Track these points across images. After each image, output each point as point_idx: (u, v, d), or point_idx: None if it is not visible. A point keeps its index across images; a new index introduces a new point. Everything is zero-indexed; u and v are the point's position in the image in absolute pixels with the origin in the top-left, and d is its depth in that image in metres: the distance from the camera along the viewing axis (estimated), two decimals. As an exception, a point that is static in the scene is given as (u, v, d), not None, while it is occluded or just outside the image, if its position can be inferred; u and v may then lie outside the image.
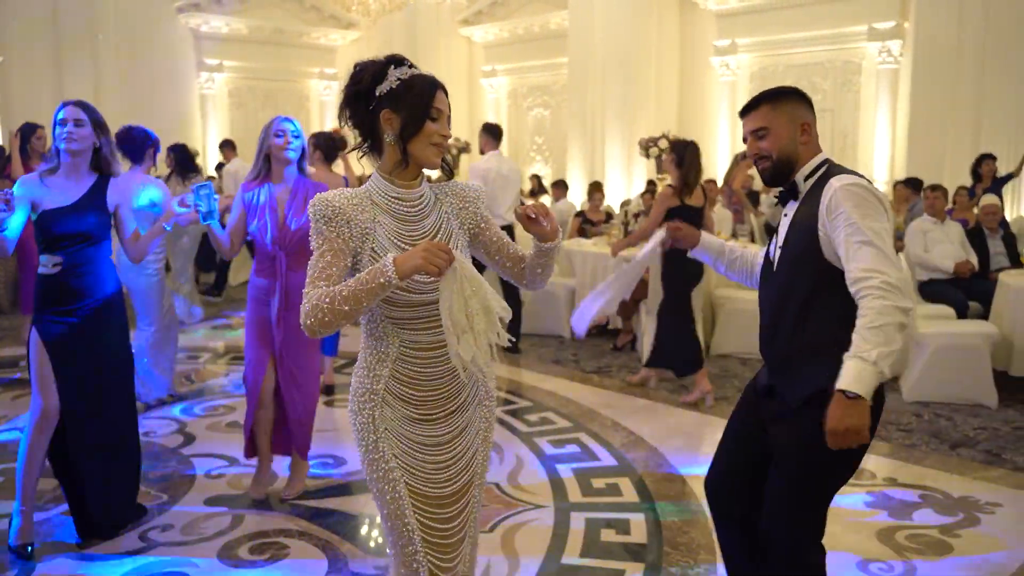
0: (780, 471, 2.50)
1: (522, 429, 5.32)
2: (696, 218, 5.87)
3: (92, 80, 14.00)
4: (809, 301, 2.45)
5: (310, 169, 5.48)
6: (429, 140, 2.15)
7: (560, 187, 10.89)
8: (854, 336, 2.21)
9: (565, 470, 4.64)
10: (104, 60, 14.21)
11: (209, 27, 15.85)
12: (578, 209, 10.45)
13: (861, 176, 2.46)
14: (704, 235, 2.95)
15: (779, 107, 2.60)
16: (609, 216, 9.64)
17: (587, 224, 9.22)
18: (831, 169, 2.54)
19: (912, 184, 9.18)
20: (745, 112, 2.67)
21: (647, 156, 9.21)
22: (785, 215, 2.61)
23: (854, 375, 2.16)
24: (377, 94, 2.12)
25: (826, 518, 2.53)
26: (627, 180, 13.20)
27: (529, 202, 13.31)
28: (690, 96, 14.20)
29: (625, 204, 11.31)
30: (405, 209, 2.18)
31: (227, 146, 12.40)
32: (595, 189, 9.75)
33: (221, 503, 4.22)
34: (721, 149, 13.79)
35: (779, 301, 2.54)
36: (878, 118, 11.99)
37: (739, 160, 10.38)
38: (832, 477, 2.49)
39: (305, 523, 3.98)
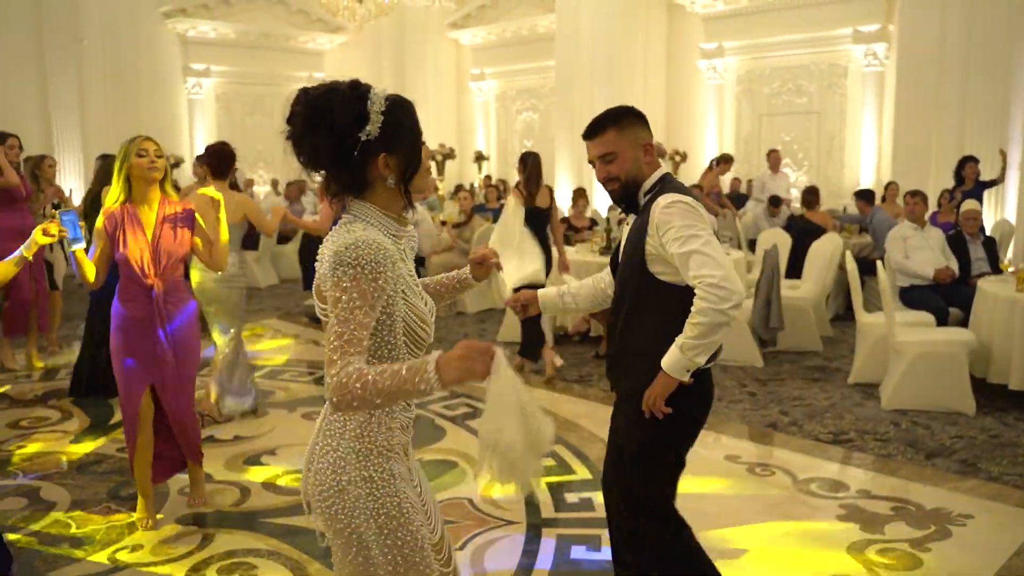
0: (615, 449, 2.91)
1: (498, 441, 5.30)
2: (542, 218, 6.67)
3: (76, 86, 13.98)
4: (635, 309, 2.77)
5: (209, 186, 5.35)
6: (425, 170, 1.99)
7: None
8: (685, 326, 2.59)
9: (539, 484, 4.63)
10: (89, 65, 14.17)
11: (196, 32, 15.85)
12: (564, 215, 10.42)
13: (687, 192, 2.71)
14: (540, 295, 2.97)
15: (624, 131, 2.77)
16: (594, 222, 9.64)
17: (571, 231, 9.22)
18: (664, 187, 2.76)
19: (864, 196, 9.27)
20: (590, 136, 2.79)
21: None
22: (628, 226, 2.86)
23: (669, 358, 2.61)
24: (363, 138, 1.84)
25: (668, 495, 2.91)
26: (615, 184, 13.21)
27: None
28: (677, 99, 14.22)
29: (612, 209, 11.32)
30: (402, 245, 1.99)
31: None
32: (579, 195, 9.75)
33: (192, 521, 4.21)
34: (708, 151, 13.80)
35: (616, 305, 2.85)
36: (864, 120, 12.03)
37: (713, 166, 10.43)
38: (653, 458, 2.83)
39: (275, 542, 3.97)
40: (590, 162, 2.85)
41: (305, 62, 17.67)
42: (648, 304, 2.74)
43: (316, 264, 1.91)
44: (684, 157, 12.06)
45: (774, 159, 11.44)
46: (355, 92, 1.86)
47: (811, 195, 9.04)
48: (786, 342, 7.53)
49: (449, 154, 15.21)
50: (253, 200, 6.17)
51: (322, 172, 1.90)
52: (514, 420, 1.67)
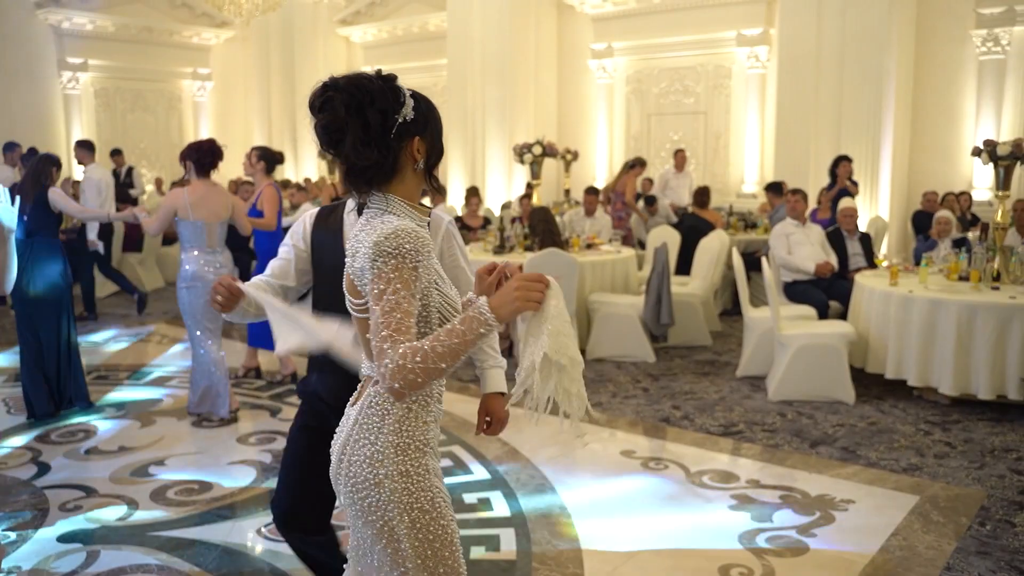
0: None
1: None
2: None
3: (-59, 78, 13.13)
4: None
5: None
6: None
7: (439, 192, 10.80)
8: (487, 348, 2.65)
9: (438, 486, 4.60)
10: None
11: (71, 24, 15.11)
12: (457, 214, 10.42)
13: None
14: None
15: None
16: (487, 221, 9.66)
17: (464, 230, 9.21)
18: None
19: (773, 188, 9.55)
20: None
21: (521, 162, 9.28)
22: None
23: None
24: (399, 120, 1.89)
25: None
26: (508, 184, 13.27)
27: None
28: (568, 98, 14.38)
29: (505, 207, 11.37)
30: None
31: (84, 147, 10.23)
32: (472, 195, 9.75)
33: (75, 539, 4.02)
34: (600, 151, 14.01)
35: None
36: (748, 121, 12.42)
37: (628, 168, 10.57)
38: None
39: (166, 556, 3.82)
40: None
41: (190, 57, 17.09)
42: None
43: (351, 262, 1.90)
44: (575, 156, 12.17)
45: (680, 159, 11.71)
46: (383, 78, 1.92)
47: (702, 195, 9.32)
48: (677, 337, 7.73)
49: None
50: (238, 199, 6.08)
51: (351, 159, 1.88)
52: (572, 338, 1.82)
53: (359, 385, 2.04)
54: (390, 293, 1.77)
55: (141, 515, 4.26)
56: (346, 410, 2.02)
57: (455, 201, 12.33)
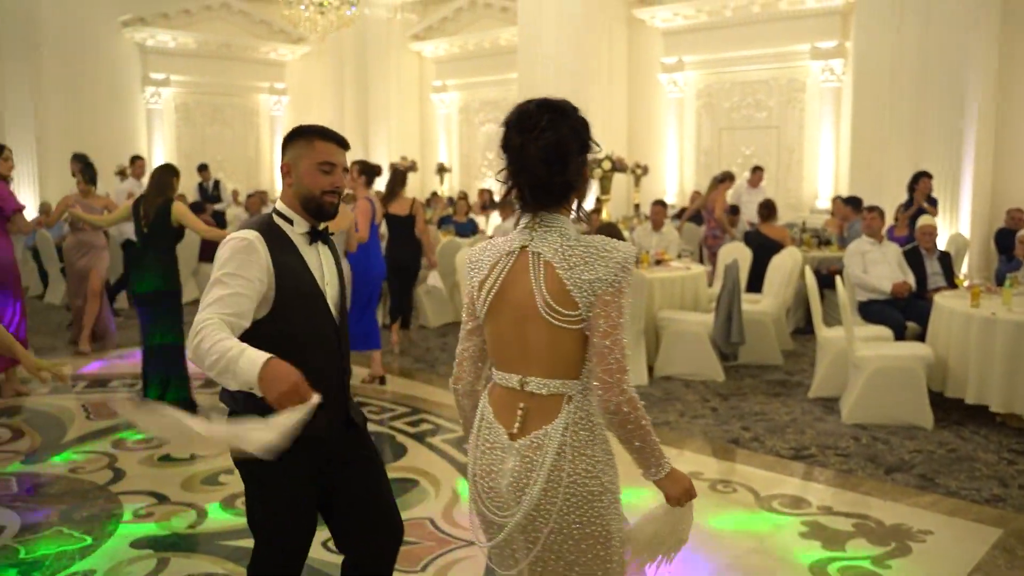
0: (376, 467, 2.69)
1: (460, 459, 5.24)
2: (404, 224, 7.77)
3: (31, 94, 13.73)
4: None
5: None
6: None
7: (507, 205, 10.83)
8: None
9: (502, 503, 4.58)
10: (45, 73, 13.90)
11: (155, 41, 15.63)
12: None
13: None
14: None
15: None
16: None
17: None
18: None
19: (852, 203, 9.30)
20: (345, 147, 2.64)
21: (590, 177, 9.20)
22: (320, 254, 2.61)
23: None
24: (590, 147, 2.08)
25: None
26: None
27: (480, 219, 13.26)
28: (638, 113, 14.31)
29: (574, 223, 11.32)
30: None
31: (136, 161, 11.25)
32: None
33: (147, 545, 4.09)
34: (670, 166, 13.89)
35: (345, 341, 2.66)
36: (822, 135, 12.18)
37: (717, 183, 10.37)
38: None
39: (232, 565, 3.87)
40: (327, 164, 2.53)
41: (267, 73, 17.51)
42: None
43: (569, 273, 1.96)
44: (645, 170, 12.10)
45: (757, 176, 11.48)
46: (575, 107, 2.09)
47: (767, 209, 9.04)
48: (747, 356, 7.57)
49: (411, 167, 15.13)
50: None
51: (570, 178, 2.01)
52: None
53: (521, 407, 2.04)
54: (623, 309, 1.96)
55: (211, 523, 4.32)
56: (520, 435, 2.04)
57: (523, 215, 12.33)
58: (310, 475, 2.52)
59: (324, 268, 2.56)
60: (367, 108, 17.02)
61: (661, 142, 14.02)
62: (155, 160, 15.40)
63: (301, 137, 2.56)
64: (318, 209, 2.52)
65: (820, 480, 4.96)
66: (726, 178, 10.36)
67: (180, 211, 5.94)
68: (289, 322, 2.43)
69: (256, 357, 2.06)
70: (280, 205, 2.56)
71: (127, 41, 15.43)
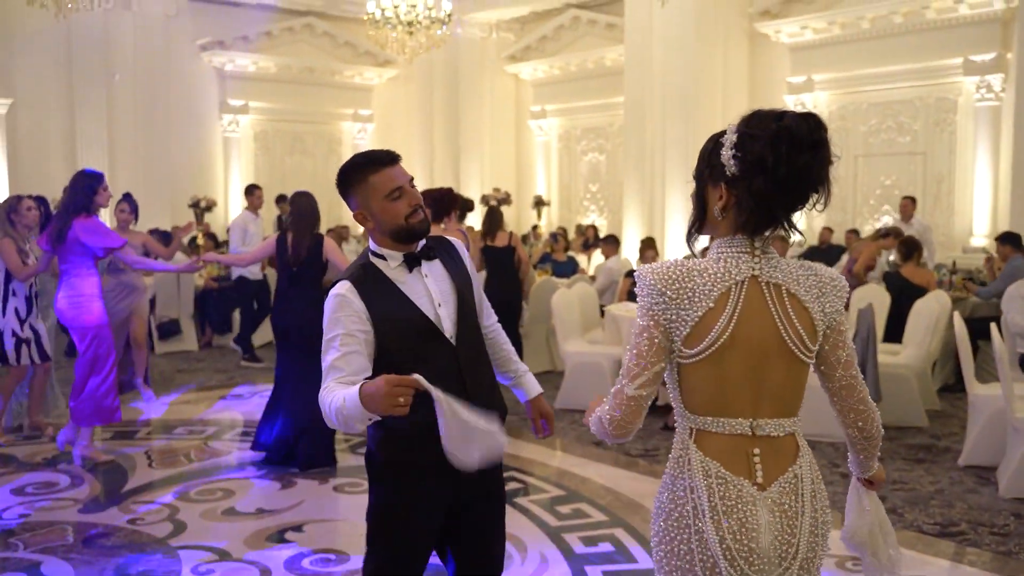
0: (493, 506, 2.87)
1: (551, 523, 5.22)
2: (503, 256, 8.24)
3: (105, 122, 14.46)
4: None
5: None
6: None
7: (611, 243, 10.82)
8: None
9: (594, 572, 4.52)
10: (120, 101, 14.64)
11: (234, 66, 16.29)
12: (632, 268, 10.39)
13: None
14: None
15: None
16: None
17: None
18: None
19: (1011, 240, 8.94)
20: (395, 161, 2.73)
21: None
22: (426, 275, 2.75)
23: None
24: None
25: None
26: (689, 233, 13.11)
27: (582, 258, 13.30)
28: (761, 138, 14.12)
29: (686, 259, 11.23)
30: None
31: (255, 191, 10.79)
32: (647, 246, 9.70)
33: (205, 606, 4.19)
34: (797, 197, 13.63)
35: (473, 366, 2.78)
36: (977, 162, 11.81)
37: (878, 236, 10.02)
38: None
39: (295, 632, 3.93)
40: (395, 192, 2.68)
41: (352, 98, 18.02)
42: None
43: (815, 304, 2.08)
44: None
45: (905, 207, 11.09)
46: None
47: (910, 247, 8.63)
48: (885, 416, 7.21)
49: (504, 199, 15.31)
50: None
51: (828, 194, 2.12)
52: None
53: (756, 453, 2.09)
54: None
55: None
56: (767, 484, 2.09)
57: (629, 253, 12.29)
58: (442, 501, 2.72)
59: (434, 290, 2.71)
60: (458, 135, 17.31)
61: (787, 171, 13.83)
62: (232, 192, 16.03)
63: (354, 179, 2.72)
64: (409, 233, 2.69)
65: (972, 562, 4.73)
66: (890, 234, 9.89)
67: (331, 246, 6.24)
68: (397, 363, 2.53)
69: (352, 392, 2.34)
70: (372, 245, 2.74)
71: (205, 66, 16.17)
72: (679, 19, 12.64)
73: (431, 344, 2.66)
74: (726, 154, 2.03)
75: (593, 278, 10.97)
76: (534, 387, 3.03)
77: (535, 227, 16.38)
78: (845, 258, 10.89)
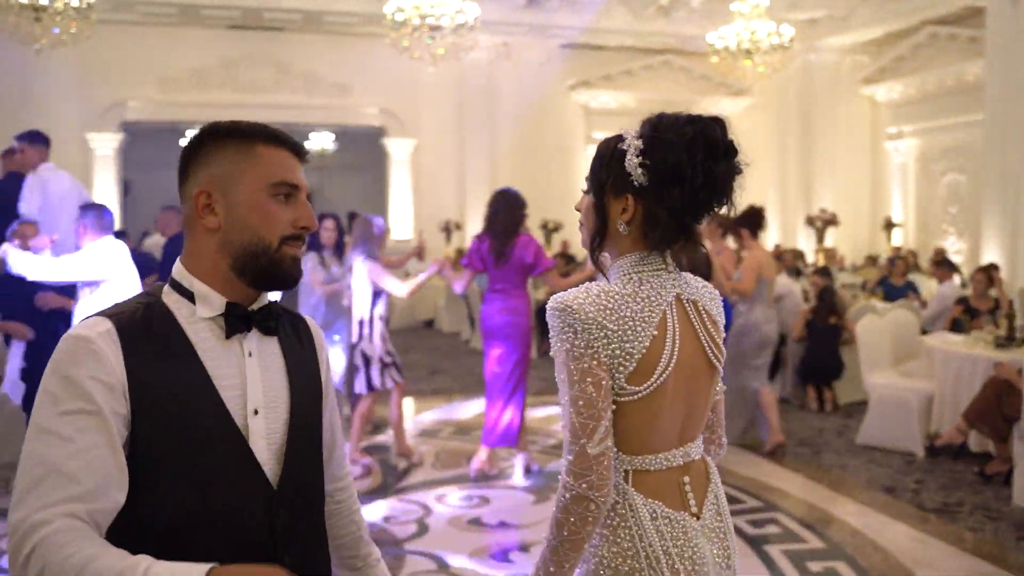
0: None
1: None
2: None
3: (489, 161, 15.31)
4: None
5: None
6: None
7: (944, 267, 9.09)
8: None
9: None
10: (500, 140, 15.50)
11: (598, 102, 16.38)
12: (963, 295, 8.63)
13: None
14: None
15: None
16: (998, 306, 7.76)
17: (967, 314, 7.51)
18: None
19: None
20: (302, 157, 1.55)
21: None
22: (249, 353, 1.49)
23: None
24: None
25: None
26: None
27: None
28: None
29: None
30: None
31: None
32: (981, 272, 7.97)
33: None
34: None
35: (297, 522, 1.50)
36: None
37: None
38: None
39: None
40: (283, 186, 1.46)
41: (708, 127, 17.39)
42: None
43: (719, 319, 1.78)
44: None
45: None
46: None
47: None
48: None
49: (831, 220, 13.93)
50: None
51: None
52: None
53: (686, 481, 1.71)
54: None
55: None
56: (699, 512, 1.72)
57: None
58: None
59: (253, 382, 1.44)
60: (811, 159, 16.01)
61: None
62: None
63: (227, 139, 1.46)
64: (271, 270, 1.45)
65: None
66: None
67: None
68: (161, 492, 1.34)
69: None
70: (178, 268, 1.47)
71: (573, 103, 16.39)
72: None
73: (229, 468, 1.39)
74: (632, 162, 1.61)
75: (925, 304, 9.29)
76: None
77: (896, 249, 14.47)
78: None
